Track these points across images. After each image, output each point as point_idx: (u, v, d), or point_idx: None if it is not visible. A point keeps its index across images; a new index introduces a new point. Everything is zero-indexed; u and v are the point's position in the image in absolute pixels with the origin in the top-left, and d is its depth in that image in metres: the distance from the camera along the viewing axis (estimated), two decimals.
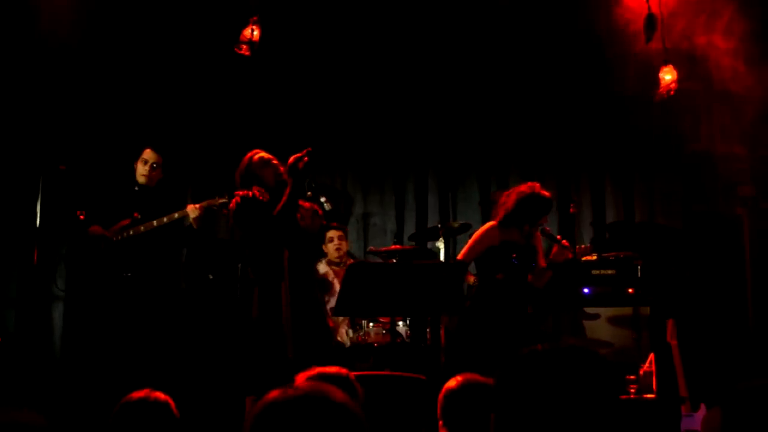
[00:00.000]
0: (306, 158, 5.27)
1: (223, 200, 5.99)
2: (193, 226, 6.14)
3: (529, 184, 6.19)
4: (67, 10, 6.59)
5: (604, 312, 7.17)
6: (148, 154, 6.45)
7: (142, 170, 6.43)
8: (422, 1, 7.77)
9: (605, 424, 1.79)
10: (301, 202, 5.55)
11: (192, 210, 6.10)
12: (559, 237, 6.31)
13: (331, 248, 7.28)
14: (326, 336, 5.37)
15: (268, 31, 6.79)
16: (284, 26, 7.45)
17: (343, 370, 3.04)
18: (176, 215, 6.15)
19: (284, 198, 5.28)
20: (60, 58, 7.13)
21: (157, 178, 6.47)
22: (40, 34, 6.93)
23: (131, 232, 6.23)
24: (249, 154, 5.52)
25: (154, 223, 6.17)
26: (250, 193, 5.43)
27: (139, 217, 6.27)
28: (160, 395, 2.97)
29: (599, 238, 8.14)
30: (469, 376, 3.02)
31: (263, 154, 5.51)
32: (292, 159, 5.29)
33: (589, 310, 7.22)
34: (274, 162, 5.48)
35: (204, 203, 6.13)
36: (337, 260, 7.32)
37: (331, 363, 3.17)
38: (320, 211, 5.57)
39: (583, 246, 7.24)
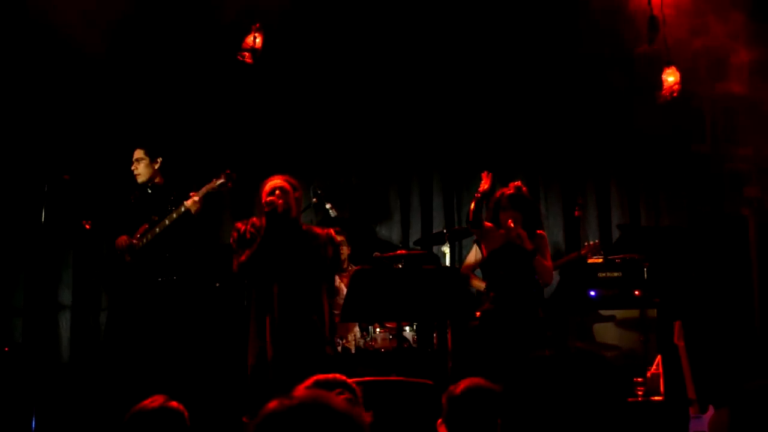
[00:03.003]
0: (281, 201, 5.19)
1: (221, 180, 5.97)
2: (191, 212, 6.12)
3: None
4: (73, 21, 6.60)
5: (611, 314, 7.17)
6: (134, 154, 6.51)
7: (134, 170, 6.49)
8: (426, 4, 7.77)
9: (612, 427, 1.79)
10: (316, 230, 5.52)
11: (192, 204, 6.09)
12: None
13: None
14: (323, 363, 5.30)
15: (272, 35, 6.80)
16: (287, 31, 7.47)
17: (340, 376, 3.05)
18: (174, 215, 6.13)
19: (254, 245, 5.24)
20: (63, 68, 7.15)
21: (149, 173, 6.45)
22: (44, 46, 6.96)
23: (149, 236, 6.24)
24: (266, 180, 5.46)
25: (166, 221, 6.17)
26: (243, 228, 5.40)
27: (157, 219, 6.26)
28: (175, 404, 2.96)
29: (605, 241, 8.14)
30: (474, 380, 3.02)
31: (274, 183, 5.36)
32: (264, 201, 5.21)
33: (601, 313, 7.22)
34: (277, 194, 5.34)
35: (202, 191, 6.10)
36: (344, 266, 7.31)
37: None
38: (337, 238, 5.56)
39: (591, 243, 7.24)
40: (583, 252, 7.14)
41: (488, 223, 6.06)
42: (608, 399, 1.81)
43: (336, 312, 6.77)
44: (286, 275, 5.21)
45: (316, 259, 5.35)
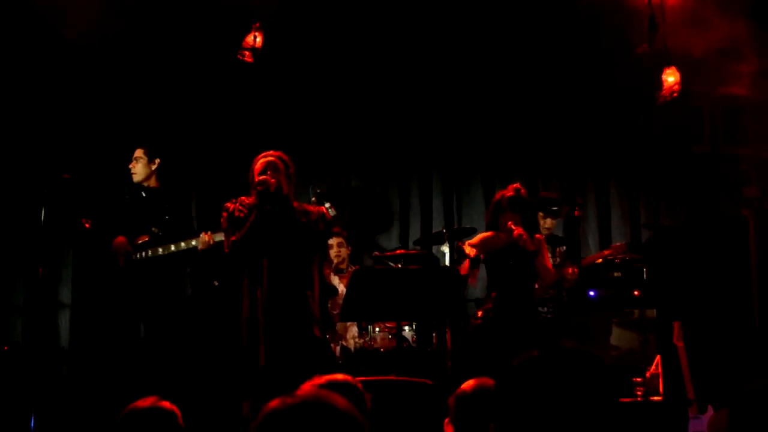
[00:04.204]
0: (273, 180, 5.20)
1: None
2: (198, 249, 6.08)
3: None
4: (72, 19, 6.60)
5: (611, 315, 7.17)
6: (134, 152, 6.48)
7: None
8: (426, 4, 7.77)
9: (605, 427, 1.78)
10: (308, 207, 5.52)
11: (203, 244, 6.01)
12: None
13: (330, 255, 7.25)
14: (310, 343, 5.30)
15: (272, 35, 6.80)
16: (287, 30, 7.46)
17: (349, 377, 3.05)
18: (193, 242, 6.08)
19: (247, 223, 5.24)
20: (62, 67, 7.15)
21: (145, 173, 6.42)
22: (44, 44, 6.96)
23: (150, 253, 6.19)
24: (257, 157, 5.45)
25: (172, 247, 6.13)
26: (232, 207, 5.39)
27: (157, 231, 6.23)
28: (167, 404, 2.95)
29: (604, 241, 8.14)
30: (483, 380, 3.02)
31: (266, 160, 5.38)
32: (257, 180, 5.21)
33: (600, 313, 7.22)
34: (271, 170, 5.34)
35: (218, 236, 5.98)
36: (339, 266, 7.29)
37: (318, 371, 3.16)
38: (328, 215, 5.54)
39: (619, 244, 7.24)
40: (606, 253, 7.13)
41: (480, 237, 6.10)
42: (598, 398, 1.80)
43: (335, 312, 6.79)
44: (278, 251, 5.20)
45: (307, 234, 5.33)
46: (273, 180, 5.18)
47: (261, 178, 5.19)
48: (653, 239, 8.06)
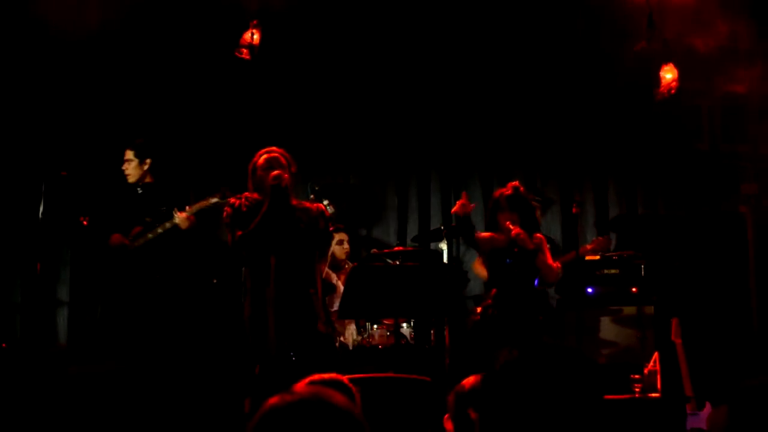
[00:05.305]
0: (286, 175, 5.20)
1: (215, 199, 5.90)
2: (181, 228, 6.06)
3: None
4: (69, 15, 6.59)
5: (608, 311, 7.16)
6: (125, 154, 6.43)
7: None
8: (425, 2, 7.77)
9: (591, 423, 1.78)
10: (307, 204, 5.53)
11: (182, 220, 6.02)
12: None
13: (339, 251, 7.26)
14: (316, 341, 5.30)
15: (270, 33, 6.79)
16: (286, 28, 7.46)
17: (338, 375, 3.06)
18: (167, 225, 6.08)
19: (258, 216, 5.25)
20: (60, 64, 7.14)
21: (138, 174, 6.36)
22: (43, 41, 6.95)
23: (141, 241, 6.18)
24: (259, 153, 5.44)
25: (159, 230, 6.12)
26: (237, 203, 5.39)
27: (150, 220, 6.20)
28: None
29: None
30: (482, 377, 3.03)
31: (271, 155, 5.38)
32: (272, 175, 5.22)
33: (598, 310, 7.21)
34: (275, 165, 5.35)
35: (195, 207, 6.03)
36: (341, 263, 7.31)
37: (324, 368, 3.16)
38: (327, 212, 5.55)
39: (601, 238, 7.23)
40: (589, 247, 7.12)
41: (485, 234, 6.04)
42: (585, 394, 1.80)
43: (333, 309, 6.79)
44: (284, 249, 5.21)
45: (310, 232, 5.34)
46: (287, 175, 5.20)
47: (275, 173, 5.19)
48: (645, 233, 8.06)
